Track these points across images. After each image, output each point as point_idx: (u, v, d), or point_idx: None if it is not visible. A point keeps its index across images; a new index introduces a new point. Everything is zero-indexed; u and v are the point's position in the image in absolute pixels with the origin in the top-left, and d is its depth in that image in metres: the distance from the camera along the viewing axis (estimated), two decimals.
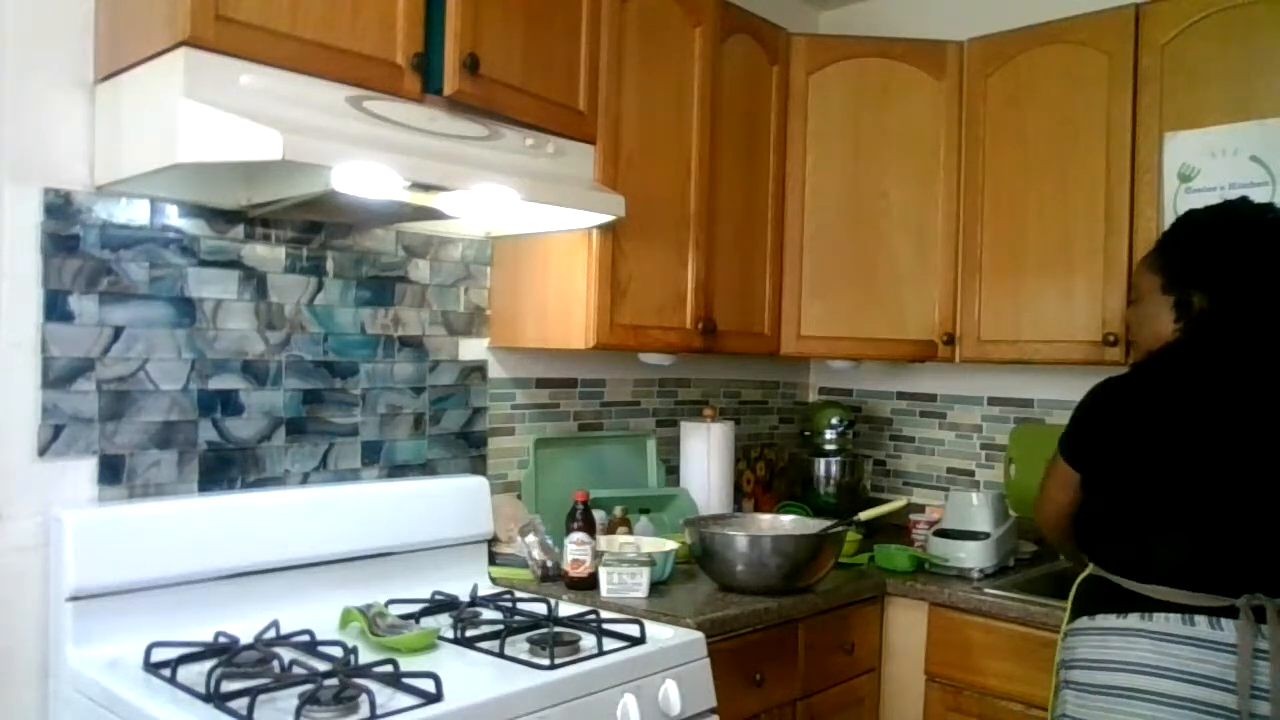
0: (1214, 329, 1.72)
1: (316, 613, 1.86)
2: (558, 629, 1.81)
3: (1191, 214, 1.88)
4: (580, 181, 2.11)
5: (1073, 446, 1.84)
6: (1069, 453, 1.85)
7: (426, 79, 1.82)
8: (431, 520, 2.14)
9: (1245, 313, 1.70)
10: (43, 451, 1.71)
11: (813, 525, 2.37)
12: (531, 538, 2.25)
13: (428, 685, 1.49)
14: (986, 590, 2.31)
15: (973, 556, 2.43)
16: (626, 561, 2.09)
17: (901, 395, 3.24)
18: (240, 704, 1.41)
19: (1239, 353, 1.70)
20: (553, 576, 2.21)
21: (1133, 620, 1.63)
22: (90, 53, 1.74)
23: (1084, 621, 1.72)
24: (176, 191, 1.84)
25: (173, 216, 1.87)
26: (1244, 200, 1.83)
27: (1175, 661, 1.57)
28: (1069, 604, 1.80)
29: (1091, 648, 1.67)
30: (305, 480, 2.07)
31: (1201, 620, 1.58)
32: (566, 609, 2.00)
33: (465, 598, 2.03)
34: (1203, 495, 1.66)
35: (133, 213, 1.81)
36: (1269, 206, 1.81)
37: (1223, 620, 1.58)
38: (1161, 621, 1.61)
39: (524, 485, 2.48)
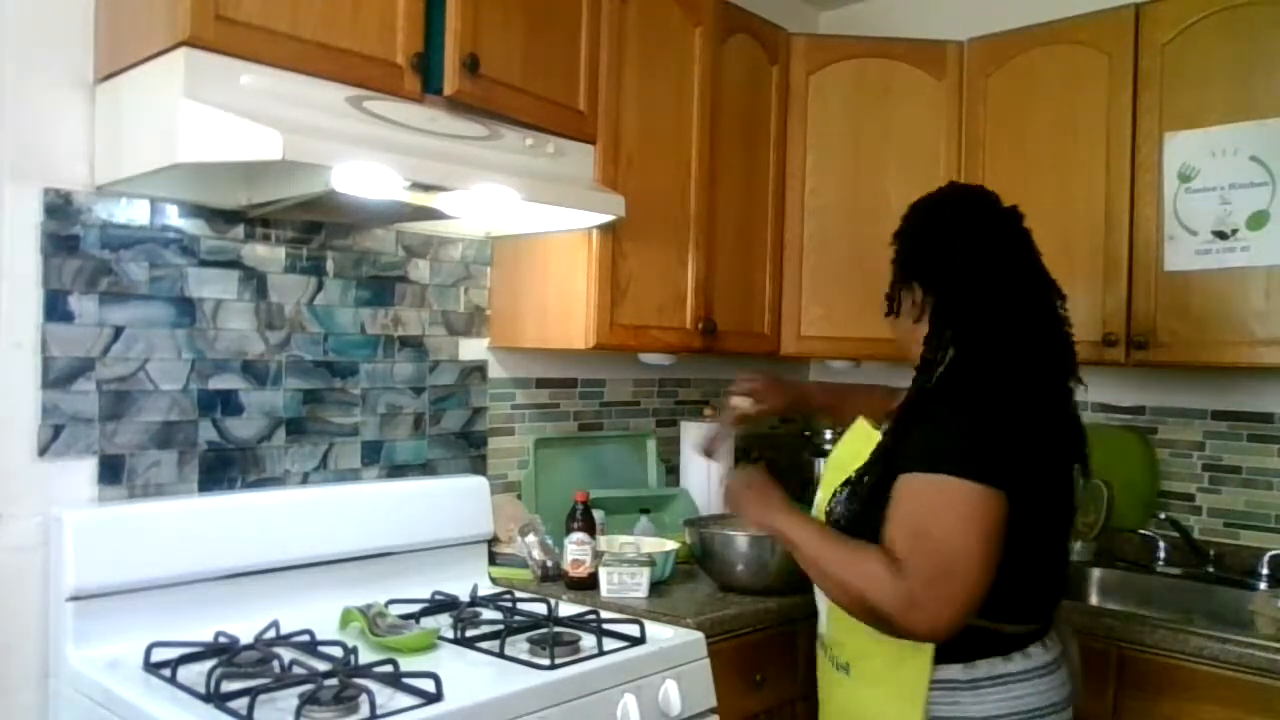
0: (977, 335, 1.54)
1: (316, 613, 1.86)
2: (558, 629, 1.81)
3: (915, 204, 1.71)
4: (580, 181, 2.11)
5: (997, 468, 1.42)
6: (993, 472, 1.41)
7: (426, 79, 1.82)
8: (431, 520, 2.14)
9: (968, 309, 1.55)
10: (43, 451, 1.71)
11: None
12: (531, 538, 2.25)
13: (428, 685, 1.49)
14: None
15: None
16: (626, 561, 2.09)
17: None
18: (240, 704, 1.41)
19: (1021, 357, 1.54)
20: (553, 576, 2.21)
21: (1019, 661, 1.50)
22: (90, 53, 1.74)
23: (958, 671, 1.49)
24: (176, 191, 1.84)
25: (173, 216, 1.87)
26: (952, 184, 1.72)
27: (1059, 693, 1.54)
28: (913, 649, 1.50)
29: (996, 701, 1.48)
30: (305, 480, 2.07)
31: (1048, 642, 1.56)
32: (566, 609, 2.00)
33: (465, 598, 2.03)
34: (1050, 523, 1.55)
35: (133, 213, 1.81)
36: (980, 189, 1.67)
37: (1051, 635, 1.57)
38: (1036, 655, 1.52)
39: (524, 485, 2.48)
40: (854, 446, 1.66)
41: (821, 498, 1.67)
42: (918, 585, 1.39)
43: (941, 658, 1.49)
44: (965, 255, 1.57)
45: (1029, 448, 1.48)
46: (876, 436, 1.61)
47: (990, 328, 1.54)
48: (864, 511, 1.53)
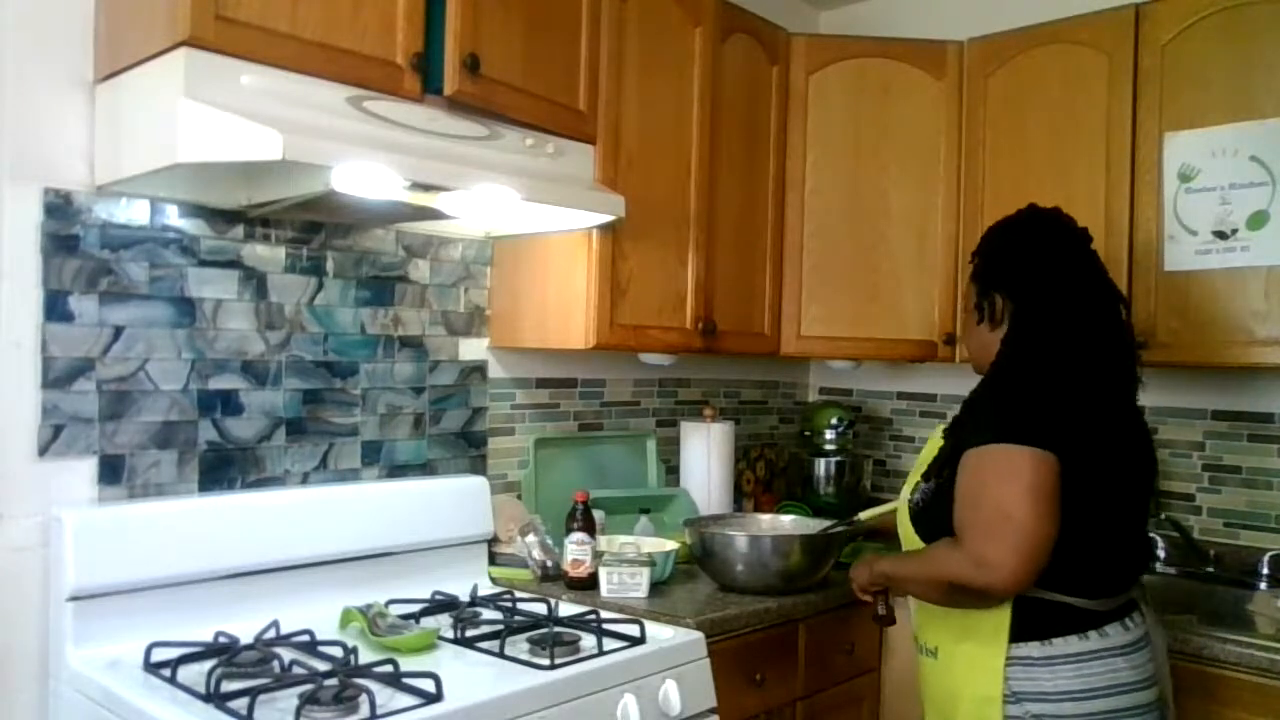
0: (1045, 331, 1.69)
1: (316, 613, 1.86)
2: (558, 629, 1.81)
3: (995, 225, 1.88)
4: (580, 181, 2.11)
5: (1046, 431, 1.54)
6: (1037, 434, 1.54)
7: (426, 79, 1.82)
8: (431, 520, 2.14)
9: (1049, 310, 1.69)
10: (43, 451, 1.71)
11: (813, 525, 2.37)
12: (531, 538, 2.25)
13: (428, 685, 1.49)
14: None
15: None
16: (626, 561, 2.09)
17: (901, 395, 3.24)
18: (240, 704, 1.41)
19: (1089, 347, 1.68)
20: (553, 576, 2.21)
21: (1095, 640, 1.59)
22: (90, 53, 1.74)
23: (1035, 648, 1.58)
24: (176, 191, 1.84)
25: (173, 216, 1.87)
26: (1032, 206, 1.84)
27: (1139, 673, 1.61)
28: (991, 629, 1.60)
29: (1069, 678, 1.57)
30: (305, 480, 2.07)
31: (1129, 623, 1.63)
32: (566, 609, 2.00)
33: (465, 598, 2.03)
34: (1118, 498, 1.65)
35: (133, 213, 1.81)
36: (1056, 211, 1.81)
37: (1135, 616, 1.66)
38: (1114, 635, 1.60)
39: (524, 485, 2.48)
40: (929, 450, 1.81)
41: (905, 492, 1.81)
42: (978, 544, 1.53)
43: (1020, 635, 1.59)
44: (1046, 267, 1.73)
45: (1081, 419, 1.59)
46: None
47: (1063, 329, 1.68)
48: (939, 490, 1.67)
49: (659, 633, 1.87)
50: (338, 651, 1.65)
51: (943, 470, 1.67)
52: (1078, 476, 1.56)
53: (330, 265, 2.12)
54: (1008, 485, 1.52)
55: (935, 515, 1.67)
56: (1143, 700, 1.61)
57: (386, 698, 1.47)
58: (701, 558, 2.22)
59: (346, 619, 1.87)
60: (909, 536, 1.77)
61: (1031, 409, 1.58)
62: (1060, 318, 1.68)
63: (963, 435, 1.65)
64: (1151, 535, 2.57)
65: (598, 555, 2.15)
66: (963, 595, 1.60)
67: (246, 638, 1.70)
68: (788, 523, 2.45)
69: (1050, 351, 1.66)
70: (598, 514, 2.31)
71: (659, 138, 2.33)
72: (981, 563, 1.52)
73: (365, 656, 1.65)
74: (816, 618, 2.23)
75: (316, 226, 2.09)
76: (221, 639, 1.69)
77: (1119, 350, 1.71)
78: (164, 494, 1.86)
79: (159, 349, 1.85)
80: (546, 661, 1.65)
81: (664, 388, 2.92)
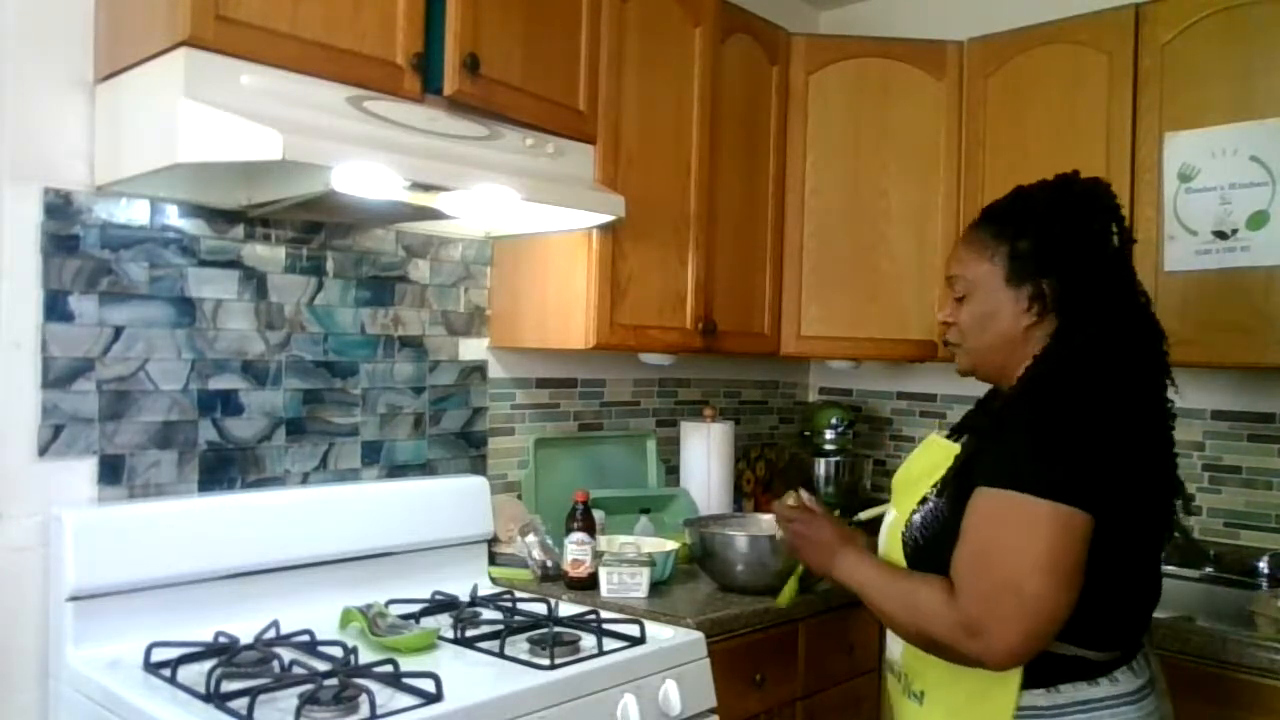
0: (1101, 334, 1.43)
1: (316, 613, 1.86)
2: (558, 629, 1.81)
3: (1021, 193, 1.57)
4: (580, 181, 2.11)
5: (1083, 486, 1.29)
6: (1076, 491, 1.29)
7: (426, 79, 1.82)
8: (431, 520, 2.14)
9: (1100, 299, 1.44)
10: (43, 451, 1.71)
11: None
12: (531, 538, 2.25)
13: (428, 685, 1.49)
14: None
15: None
16: (626, 561, 2.09)
17: (901, 395, 3.24)
18: (240, 704, 1.41)
19: (1137, 363, 1.45)
20: (553, 576, 2.21)
21: (1105, 687, 1.39)
22: (90, 53, 1.74)
23: (1041, 697, 1.37)
24: (176, 191, 1.84)
25: (173, 216, 1.87)
26: (1076, 174, 1.56)
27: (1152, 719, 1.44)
28: (997, 675, 1.37)
29: None
30: (305, 480, 2.07)
31: (1136, 666, 1.44)
32: (566, 609, 2.00)
33: (465, 598, 2.03)
34: (1146, 544, 1.44)
35: (133, 213, 1.81)
36: (1096, 180, 1.54)
37: (1141, 659, 1.47)
38: (1125, 680, 1.40)
39: (524, 485, 2.48)
40: (928, 461, 1.55)
41: (896, 518, 1.54)
42: (974, 608, 1.31)
43: (1024, 683, 1.38)
44: (1113, 249, 1.47)
45: (1122, 463, 1.34)
46: (953, 449, 1.50)
47: (1126, 335, 1.44)
48: (944, 529, 1.41)
49: (659, 633, 1.87)
50: (338, 651, 1.65)
51: (944, 495, 1.43)
52: (1111, 531, 1.32)
53: (330, 265, 2.12)
54: (1025, 548, 1.28)
55: (940, 553, 1.39)
56: None
57: (386, 698, 1.47)
58: (701, 558, 2.22)
59: (346, 619, 1.87)
60: (896, 562, 1.51)
61: (1076, 454, 1.30)
62: (1123, 319, 1.44)
63: (983, 454, 1.39)
64: None
65: (598, 555, 2.15)
66: (937, 651, 1.39)
67: (246, 638, 1.70)
68: None
69: (1112, 366, 1.40)
70: (598, 514, 2.31)
71: (659, 137, 2.34)
72: (975, 631, 1.30)
73: (365, 656, 1.65)
74: (816, 618, 2.23)
75: (316, 226, 2.09)
76: (221, 639, 1.69)
77: (1157, 354, 1.49)
78: (164, 494, 1.86)
79: (159, 349, 1.85)
80: (546, 661, 1.65)
81: (664, 388, 2.92)
